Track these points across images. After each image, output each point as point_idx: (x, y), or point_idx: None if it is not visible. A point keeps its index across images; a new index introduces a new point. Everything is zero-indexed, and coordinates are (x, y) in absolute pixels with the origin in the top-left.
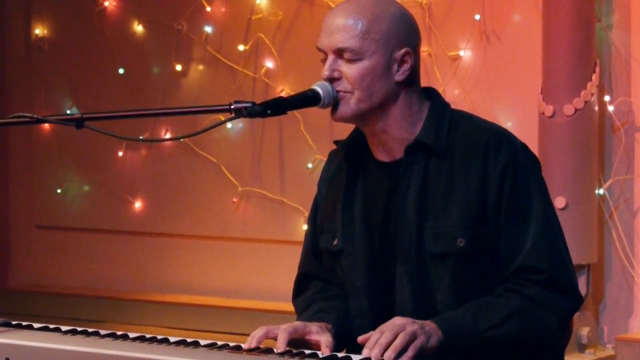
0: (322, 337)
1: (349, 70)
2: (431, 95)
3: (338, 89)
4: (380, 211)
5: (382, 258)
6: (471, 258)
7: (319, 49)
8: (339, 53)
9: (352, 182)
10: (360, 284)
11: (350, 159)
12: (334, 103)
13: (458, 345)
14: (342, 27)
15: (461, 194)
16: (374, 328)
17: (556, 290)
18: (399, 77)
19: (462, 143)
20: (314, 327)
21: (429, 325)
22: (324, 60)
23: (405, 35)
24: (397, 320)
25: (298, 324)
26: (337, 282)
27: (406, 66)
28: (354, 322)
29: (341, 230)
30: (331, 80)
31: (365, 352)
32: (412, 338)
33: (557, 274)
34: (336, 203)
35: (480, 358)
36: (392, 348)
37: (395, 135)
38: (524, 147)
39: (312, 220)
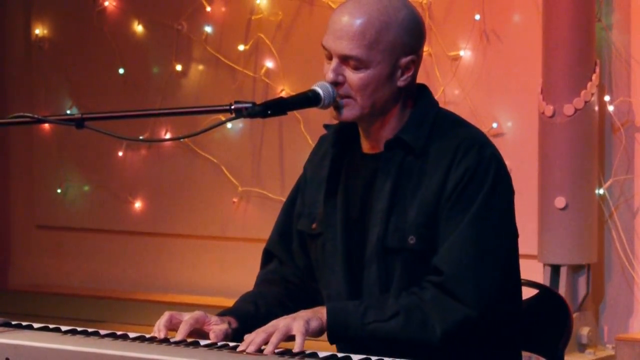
0: (217, 327)
1: (354, 77)
2: (421, 93)
3: (340, 92)
4: (358, 202)
5: (358, 248)
6: (420, 256)
7: (324, 47)
8: (345, 59)
9: (336, 170)
10: (339, 269)
11: (337, 147)
12: (338, 106)
13: (343, 332)
14: (350, 33)
15: (422, 193)
16: None
17: (452, 297)
18: (401, 82)
19: (437, 144)
20: (213, 318)
21: (319, 311)
22: (328, 57)
23: (412, 42)
24: (276, 321)
25: (199, 314)
26: (296, 265)
27: (410, 73)
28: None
29: (323, 217)
30: (335, 83)
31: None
32: (287, 330)
33: (456, 280)
34: (319, 189)
35: (380, 350)
36: (270, 344)
37: (387, 133)
38: (494, 158)
39: (291, 201)
